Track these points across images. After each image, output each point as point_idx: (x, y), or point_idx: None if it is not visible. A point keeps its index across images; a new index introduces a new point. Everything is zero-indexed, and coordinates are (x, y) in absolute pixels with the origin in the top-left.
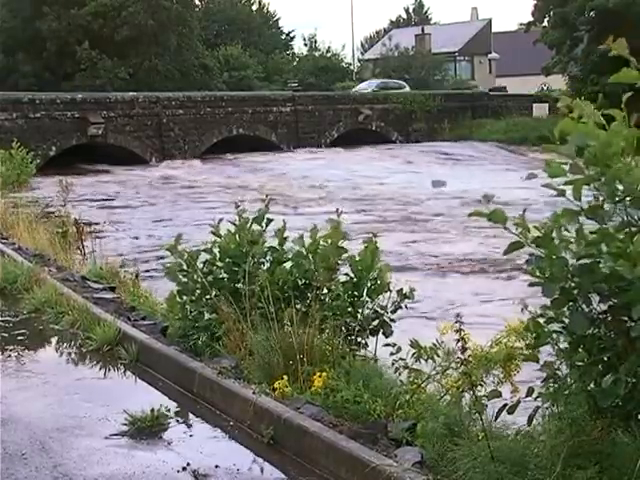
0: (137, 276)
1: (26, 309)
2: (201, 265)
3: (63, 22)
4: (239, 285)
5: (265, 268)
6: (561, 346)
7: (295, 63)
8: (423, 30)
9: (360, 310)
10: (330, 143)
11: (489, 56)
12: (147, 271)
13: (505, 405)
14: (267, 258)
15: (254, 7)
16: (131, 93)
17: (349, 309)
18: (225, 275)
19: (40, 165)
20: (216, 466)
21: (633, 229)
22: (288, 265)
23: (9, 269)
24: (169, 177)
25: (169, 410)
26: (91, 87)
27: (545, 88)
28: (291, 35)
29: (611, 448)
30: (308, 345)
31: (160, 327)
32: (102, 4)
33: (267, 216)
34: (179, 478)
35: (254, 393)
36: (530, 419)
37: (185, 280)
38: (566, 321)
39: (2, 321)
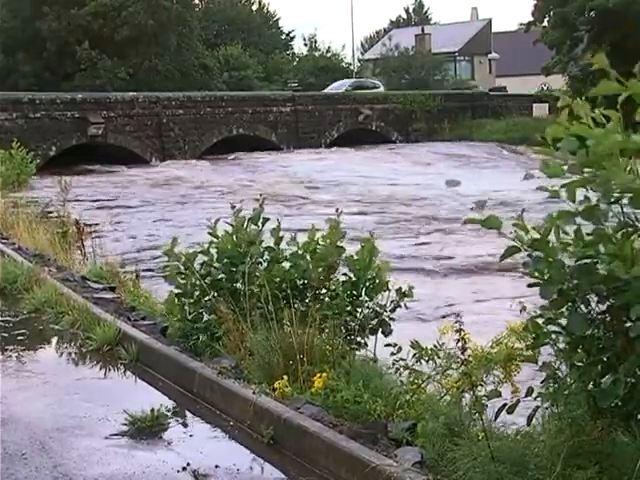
0: (137, 276)
1: (26, 309)
2: (199, 267)
3: (63, 22)
4: (238, 285)
5: (263, 268)
6: (560, 346)
7: (295, 63)
8: (423, 30)
9: (359, 309)
10: (330, 143)
11: (489, 56)
12: (147, 270)
13: (505, 405)
14: (264, 258)
15: (254, 7)
16: (131, 93)
17: (348, 308)
18: (223, 276)
19: (40, 165)
20: (216, 466)
21: (629, 229)
22: (287, 265)
23: (9, 269)
24: (169, 177)
25: (169, 410)
26: (91, 87)
27: (545, 88)
28: (291, 35)
29: (611, 448)
30: (308, 345)
31: (160, 327)
32: (102, 4)
33: (265, 216)
34: (179, 478)
35: (254, 393)
36: (530, 419)
37: (184, 282)
38: (565, 322)
39: (2, 321)
